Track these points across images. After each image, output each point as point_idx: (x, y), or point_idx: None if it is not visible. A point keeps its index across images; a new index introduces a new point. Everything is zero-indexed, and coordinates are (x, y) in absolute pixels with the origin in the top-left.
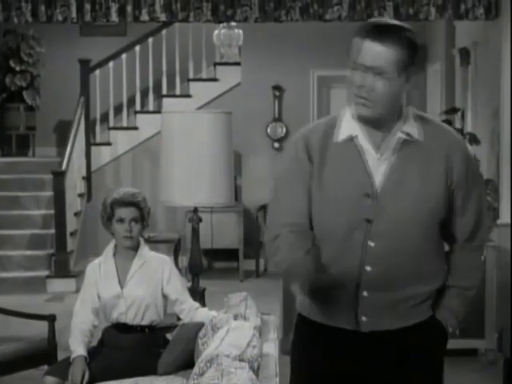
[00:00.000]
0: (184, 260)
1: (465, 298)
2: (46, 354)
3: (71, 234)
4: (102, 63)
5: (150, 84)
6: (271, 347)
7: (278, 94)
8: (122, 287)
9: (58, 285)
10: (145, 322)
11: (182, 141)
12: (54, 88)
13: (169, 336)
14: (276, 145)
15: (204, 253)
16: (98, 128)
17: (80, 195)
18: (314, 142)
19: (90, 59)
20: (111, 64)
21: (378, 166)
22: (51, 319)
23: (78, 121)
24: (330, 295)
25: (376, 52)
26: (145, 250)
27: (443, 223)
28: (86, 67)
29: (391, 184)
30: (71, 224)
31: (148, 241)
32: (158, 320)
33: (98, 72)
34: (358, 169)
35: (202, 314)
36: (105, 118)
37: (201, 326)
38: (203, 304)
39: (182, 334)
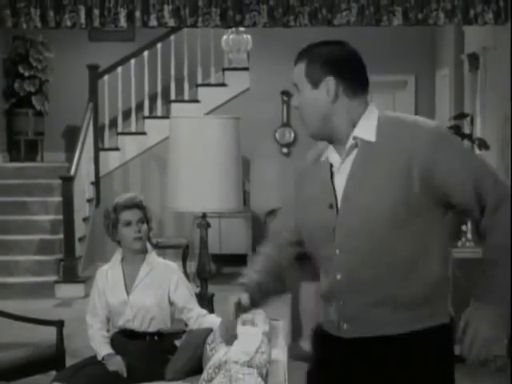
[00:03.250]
0: (192, 265)
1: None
2: (54, 359)
3: (79, 239)
4: (111, 69)
5: (159, 89)
6: (280, 353)
7: (286, 99)
8: (128, 294)
9: (66, 290)
10: (152, 329)
11: (191, 146)
12: (62, 93)
13: (177, 342)
14: (284, 150)
15: (212, 258)
16: (106, 133)
17: (88, 200)
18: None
19: (98, 65)
20: (120, 69)
21: (339, 177)
22: (59, 325)
23: (86, 126)
24: (324, 303)
25: (294, 71)
26: (152, 256)
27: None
28: (95, 73)
29: (350, 191)
30: (79, 229)
31: (156, 246)
32: (164, 328)
33: (106, 77)
34: (326, 183)
35: (209, 320)
36: (113, 123)
37: (209, 331)
38: (211, 310)
39: (190, 340)
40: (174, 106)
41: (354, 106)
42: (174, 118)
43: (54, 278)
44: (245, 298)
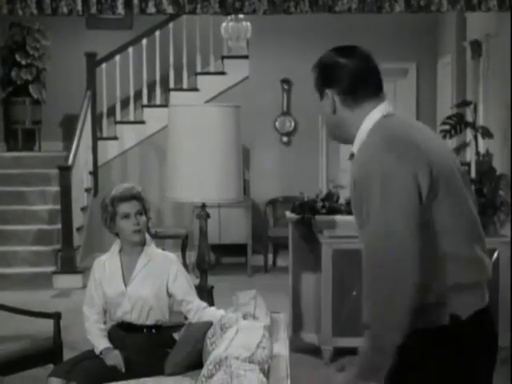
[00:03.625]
0: (192, 256)
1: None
2: (51, 352)
3: (77, 229)
4: (109, 57)
5: (157, 77)
6: (282, 347)
7: (286, 87)
8: (126, 285)
9: (64, 281)
10: (150, 322)
11: (190, 135)
12: (59, 82)
13: (176, 336)
14: (284, 139)
15: (212, 248)
16: (104, 122)
17: (86, 190)
18: None
19: (96, 53)
20: (118, 57)
21: None
22: (57, 317)
23: (84, 115)
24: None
25: None
26: (151, 247)
27: None
28: (93, 61)
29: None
30: (77, 219)
31: (155, 236)
32: (163, 320)
33: (104, 65)
34: None
35: (209, 313)
36: (111, 112)
37: (209, 325)
38: (211, 302)
39: (189, 334)
40: (172, 94)
41: (356, 115)
42: (173, 107)
43: (51, 268)
44: None
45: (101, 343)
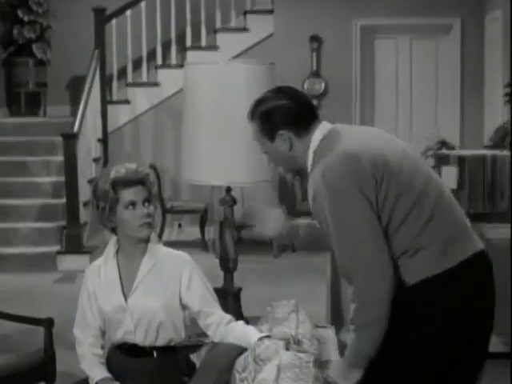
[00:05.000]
0: (211, 231)
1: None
2: (42, 367)
3: (85, 204)
4: (119, 12)
5: (173, 35)
6: None
7: (315, 45)
8: (126, 297)
9: (69, 262)
10: (160, 343)
11: (211, 101)
12: (66, 40)
13: (194, 358)
14: (314, 102)
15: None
16: (114, 85)
17: (95, 160)
18: None
19: (105, 8)
20: (129, 13)
21: None
22: (48, 324)
23: (92, 77)
24: None
25: (252, 128)
26: (156, 246)
27: None
28: (101, 16)
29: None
30: (85, 193)
31: (171, 211)
32: (176, 339)
33: (114, 22)
34: None
35: (237, 332)
36: (122, 73)
37: (238, 351)
38: (238, 308)
39: (212, 360)
40: (189, 53)
41: (304, 144)
42: (191, 65)
43: (55, 247)
44: None
45: (97, 373)
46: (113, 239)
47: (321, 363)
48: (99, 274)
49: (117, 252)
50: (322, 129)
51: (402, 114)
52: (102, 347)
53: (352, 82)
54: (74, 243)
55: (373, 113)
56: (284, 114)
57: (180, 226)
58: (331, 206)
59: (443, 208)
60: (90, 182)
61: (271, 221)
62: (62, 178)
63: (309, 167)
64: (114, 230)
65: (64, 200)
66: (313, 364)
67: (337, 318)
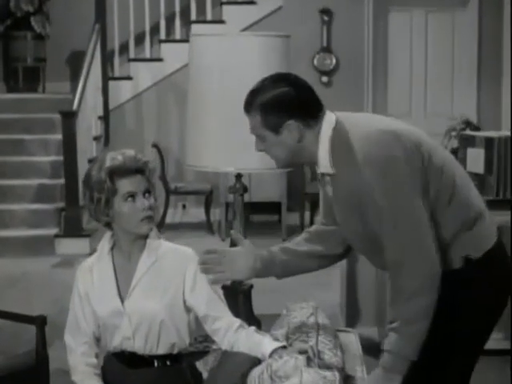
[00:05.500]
0: (216, 213)
1: None
2: (33, 370)
3: None
4: None
5: (177, 8)
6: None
7: (326, 18)
8: (122, 300)
9: (68, 246)
10: (162, 350)
11: (220, 77)
12: (65, 13)
13: (200, 365)
14: (324, 79)
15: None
16: (116, 60)
17: (95, 138)
18: None
19: None
20: None
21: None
22: (40, 323)
23: (92, 52)
24: None
25: (248, 121)
26: (156, 241)
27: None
28: None
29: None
30: (84, 173)
31: (175, 192)
32: (181, 346)
33: None
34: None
35: (249, 340)
36: (124, 48)
37: (250, 363)
38: (249, 308)
39: (222, 373)
40: (194, 27)
41: (314, 134)
42: (197, 37)
43: (54, 230)
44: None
45: None
46: (107, 234)
47: (346, 378)
48: (92, 273)
49: (111, 249)
50: (330, 116)
51: (416, 90)
52: (97, 356)
53: (364, 58)
54: (72, 226)
55: (385, 90)
56: (290, 102)
57: (184, 207)
58: (387, 189)
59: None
60: (90, 161)
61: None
62: (61, 158)
63: (323, 158)
64: (108, 225)
65: (63, 180)
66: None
67: (353, 312)
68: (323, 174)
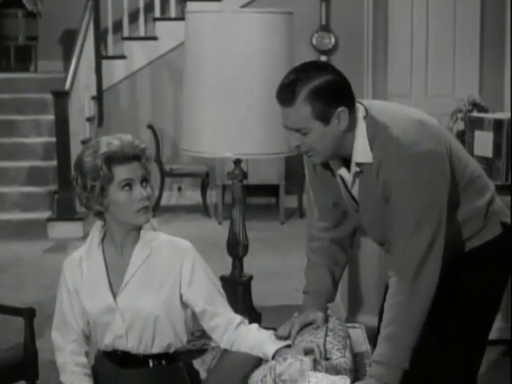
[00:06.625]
0: (213, 196)
1: None
2: (22, 365)
3: None
4: None
5: None
6: None
7: None
8: (115, 295)
9: (61, 229)
10: (157, 349)
11: (218, 57)
12: None
13: (197, 364)
14: (323, 58)
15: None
16: (109, 38)
17: (89, 119)
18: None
19: None
20: None
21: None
22: (28, 314)
23: (85, 30)
24: None
25: (286, 115)
26: (151, 233)
27: None
28: None
29: (363, 205)
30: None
31: (170, 174)
32: (177, 344)
33: None
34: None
35: (250, 339)
36: (118, 26)
37: (251, 364)
38: (249, 300)
39: (222, 375)
40: (190, 4)
41: (351, 121)
42: (193, 14)
43: (46, 214)
44: (319, 316)
45: None
46: (97, 225)
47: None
48: (81, 267)
49: (102, 240)
50: (358, 105)
51: (417, 70)
52: (87, 354)
53: (364, 37)
54: (65, 209)
55: (385, 71)
56: (339, 88)
57: (180, 189)
58: (422, 178)
59: None
60: (83, 143)
61: None
62: (53, 139)
63: (361, 145)
64: (100, 214)
65: (55, 162)
66: None
67: (355, 300)
68: (350, 167)
